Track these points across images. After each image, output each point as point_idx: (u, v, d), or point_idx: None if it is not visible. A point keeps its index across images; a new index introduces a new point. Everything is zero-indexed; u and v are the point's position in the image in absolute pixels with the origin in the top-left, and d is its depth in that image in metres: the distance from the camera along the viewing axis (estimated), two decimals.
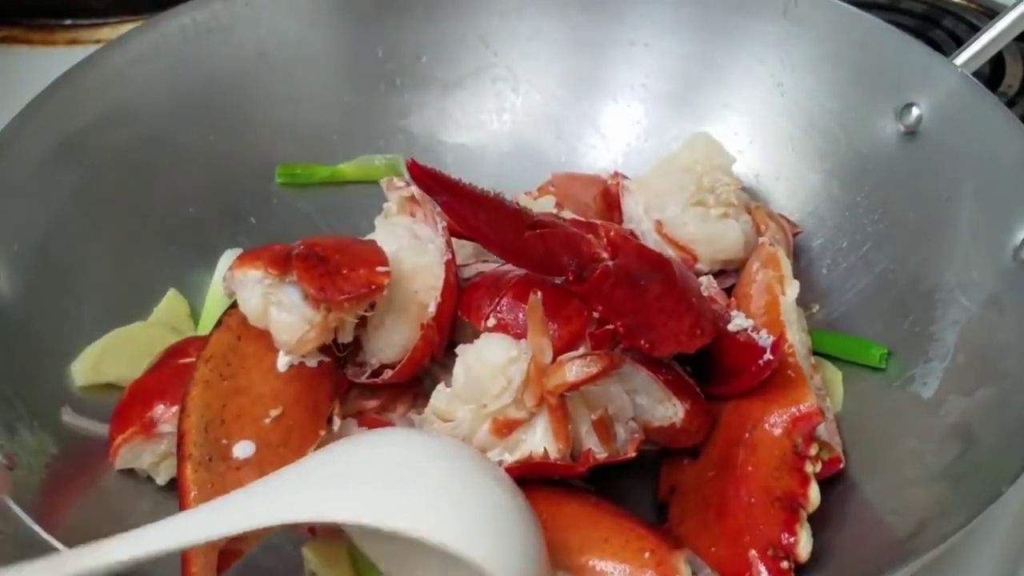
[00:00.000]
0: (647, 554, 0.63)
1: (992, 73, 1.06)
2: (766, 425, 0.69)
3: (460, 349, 0.68)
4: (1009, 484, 0.61)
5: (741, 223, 0.83)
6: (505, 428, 0.67)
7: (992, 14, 1.12)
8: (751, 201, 0.86)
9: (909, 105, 0.83)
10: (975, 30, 1.11)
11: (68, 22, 1.15)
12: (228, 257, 0.87)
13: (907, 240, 0.82)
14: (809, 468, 0.68)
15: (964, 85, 0.81)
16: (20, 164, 0.81)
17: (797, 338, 0.75)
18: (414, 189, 0.77)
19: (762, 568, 0.65)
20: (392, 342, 0.73)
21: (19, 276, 0.77)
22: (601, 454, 0.68)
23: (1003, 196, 0.76)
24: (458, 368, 0.68)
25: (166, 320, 0.85)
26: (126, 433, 0.71)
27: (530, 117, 0.98)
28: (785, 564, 0.65)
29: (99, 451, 0.72)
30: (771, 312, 0.76)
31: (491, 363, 0.66)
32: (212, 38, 0.93)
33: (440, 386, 0.69)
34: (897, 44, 0.86)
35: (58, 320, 0.79)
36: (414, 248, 0.76)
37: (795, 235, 0.86)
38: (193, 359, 0.71)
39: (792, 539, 0.66)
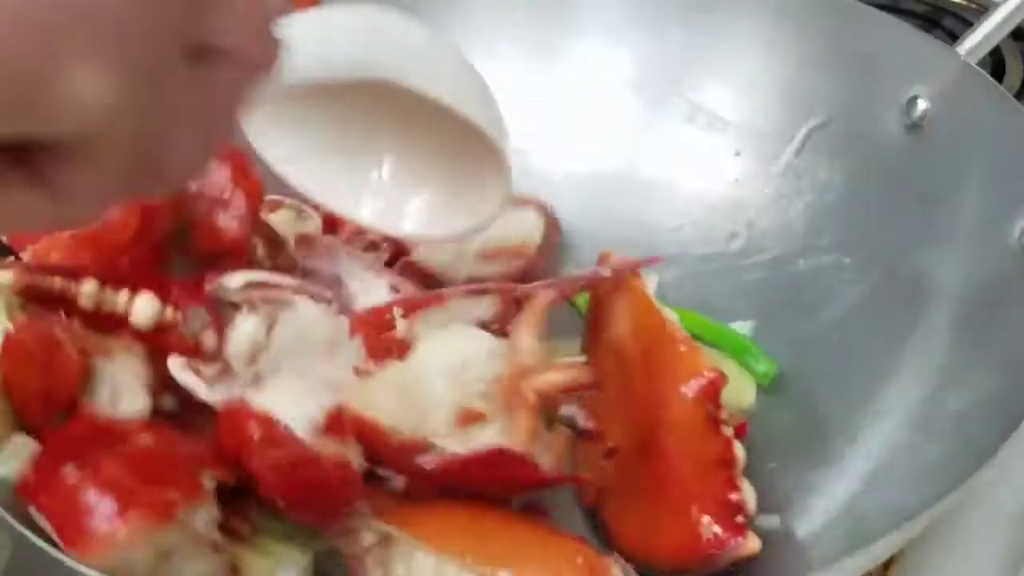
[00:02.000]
0: (580, 559, 0.63)
1: (992, 73, 1.06)
2: (678, 400, 0.70)
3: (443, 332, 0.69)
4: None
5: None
6: (467, 419, 0.66)
7: None
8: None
9: (915, 98, 0.83)
10: None
11: None
12: None
13: (912, 234, 0.82)
14: (728, 431, 0.69)
15: (970, 75, 0.81)
16: None
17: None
18: None
19: (718, 529, 0.65)
20: None
21: None
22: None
23: (1008, 186, 0.76)
24: (435, 350, 0.68)
25: None
26: None
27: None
28: (740, 518, 0.66)
29: None
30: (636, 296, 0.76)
31: (471, 354, 0.67)
32: None
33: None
34: (901, 36, 0.86)
35: None
36: None
37: None
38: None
39: (738, 495, 0.67)
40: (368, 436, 0.66)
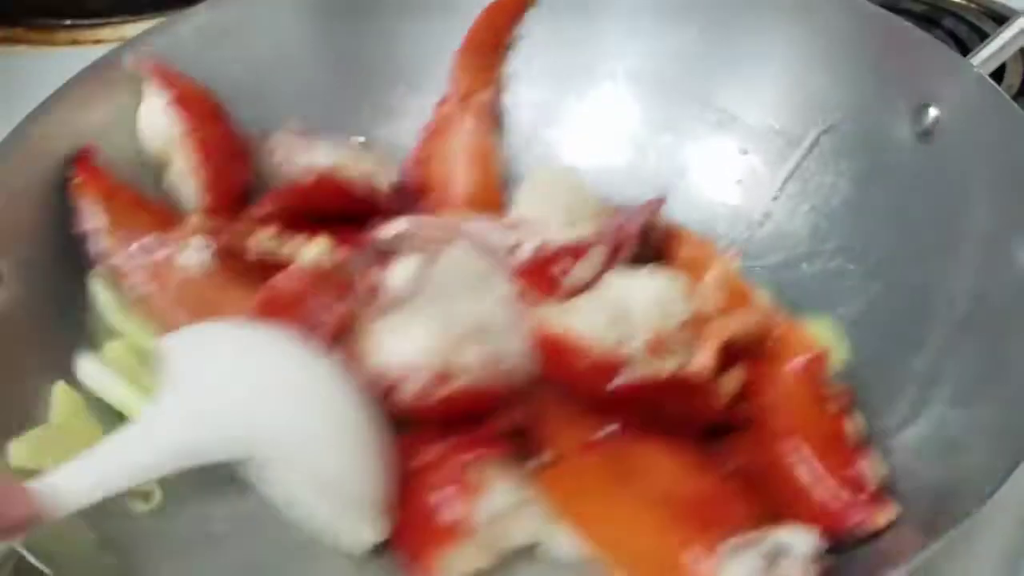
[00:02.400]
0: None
1: (992, 73, 1.06)
2: (787, 382, 0.72)
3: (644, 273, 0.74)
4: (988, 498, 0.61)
5: None
6: (658, 349, 0.69)
7: (993, 14, 1.14)
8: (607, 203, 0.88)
9: (925, 106, 0.83)
10: (975, 31, 1.12)
11: (68, 22, 1.14)
12: None
13: (918, 244, 0.81)
14: (835, 405, 0.71)
15: (982, 87, 0.81)
16: (31, 164, 0.80)
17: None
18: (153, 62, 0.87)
19: (841, 506, 0.66)
20: (192, 204, 0.85)
21: (23, 279, 0.76)
22: None
23: (1018, 199, 0.76)
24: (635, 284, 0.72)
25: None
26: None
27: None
28: (863, 495, 0.67)
29: None
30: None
31: (673, 291, 0.71)
32: (228, 40, 0.92)
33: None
34: (915, 42, 0.86)
35: (58, 327, 0.78)
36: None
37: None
38: None
39: (864, 467, 0.68)
40: (565, 355, 0.69)
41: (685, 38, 0.95)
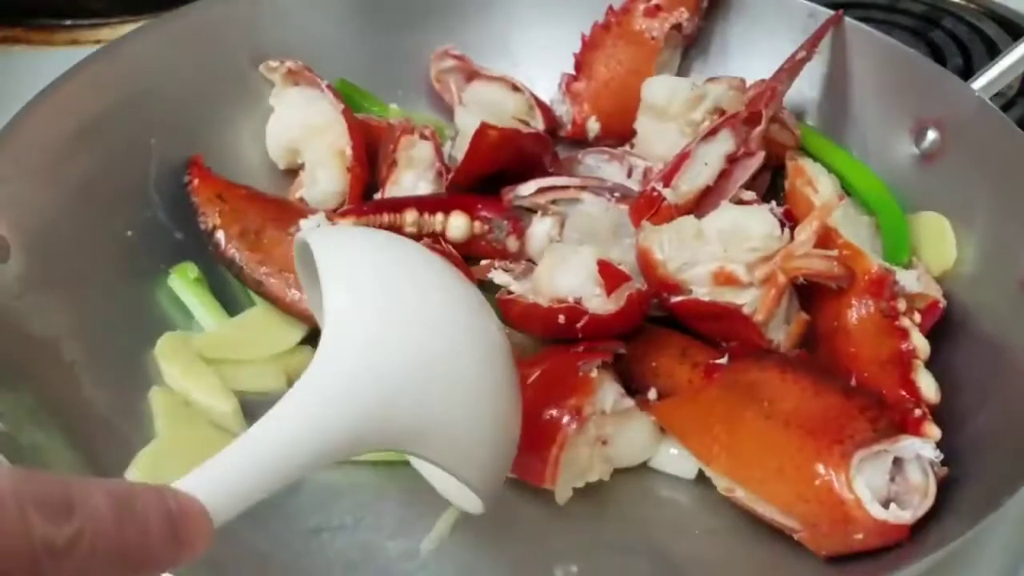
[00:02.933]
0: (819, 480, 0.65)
1: None
2: (849, 308, 0.73)
3: (726, 207, 0.76)
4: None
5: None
6: (722, 280, 0.72)
7: (993, 15, 1.13)
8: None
9: (925, 129, 0.84)
10: (975, 31, 1.12)
11: (68, 22, 1.14)
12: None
13: None
14: (905, 322, 0.72)
15: (982, 110, 0.81)
16: (37, 146, 0.80)
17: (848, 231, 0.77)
18: (289, 63, 0.91)
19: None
20: (330, 191, 0.88)
21: (31, 258, 0.76)
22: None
23: (1017, 220, 0.77)
24: (722, 218, 0.74)
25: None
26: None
27: None
28: (918, 412, 0.68)
29: None
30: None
31: (751, 228, 0.72)
32: (234, 31, 0.93)
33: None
34: (915, 67, 0.87)
35: (63, 304, 0.78)
36: (313, 109, 0.90)
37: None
38: None
39: (914, 388, 0.70)
40: (647, 268, 0.75)
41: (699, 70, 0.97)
